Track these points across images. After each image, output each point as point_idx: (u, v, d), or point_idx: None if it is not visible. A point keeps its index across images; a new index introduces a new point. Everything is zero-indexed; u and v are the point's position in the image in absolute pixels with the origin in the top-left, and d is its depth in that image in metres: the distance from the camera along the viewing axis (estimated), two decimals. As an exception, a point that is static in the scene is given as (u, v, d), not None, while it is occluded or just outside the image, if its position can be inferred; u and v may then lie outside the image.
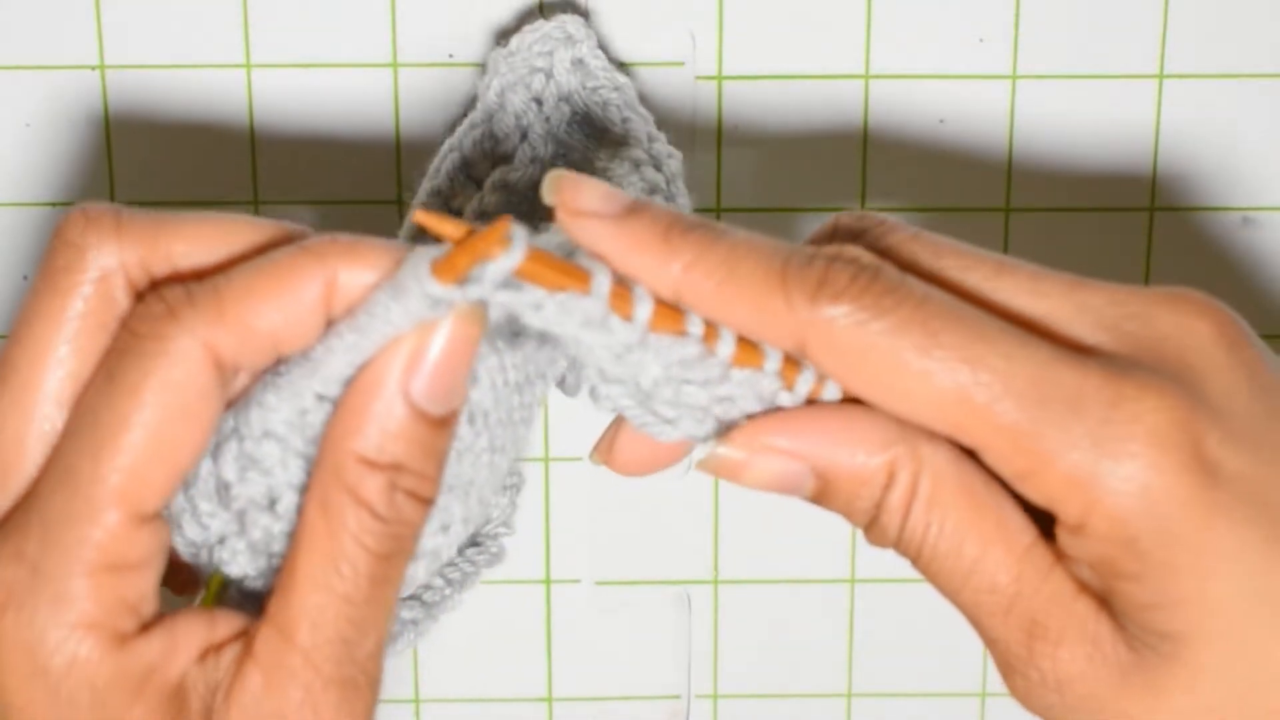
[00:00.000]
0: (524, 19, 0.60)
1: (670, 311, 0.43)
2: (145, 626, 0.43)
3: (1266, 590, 0.41)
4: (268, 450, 0.44)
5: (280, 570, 0.43)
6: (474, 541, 0.58)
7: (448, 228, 0.41)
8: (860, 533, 0.65)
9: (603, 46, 0.60)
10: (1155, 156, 0.62)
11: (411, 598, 0.53)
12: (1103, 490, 0.40)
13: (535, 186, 0.57)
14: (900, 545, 0.44)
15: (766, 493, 0.44)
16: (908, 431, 0.42)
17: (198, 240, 0.44)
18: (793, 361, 0.43)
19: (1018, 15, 0.61)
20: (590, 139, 0.59)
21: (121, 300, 0.43)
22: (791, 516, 0.65)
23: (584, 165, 0.58)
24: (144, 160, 0.62)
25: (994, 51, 0.61)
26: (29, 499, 0.43)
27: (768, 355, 0.43)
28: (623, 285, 0.42)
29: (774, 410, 0.44)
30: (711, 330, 0.43)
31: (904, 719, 0.68)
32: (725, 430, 0.44)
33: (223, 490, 0.44)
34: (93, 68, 0.61)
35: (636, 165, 0.57)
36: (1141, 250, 0.63)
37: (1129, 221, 0.63)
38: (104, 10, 0.61)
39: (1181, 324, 0.42)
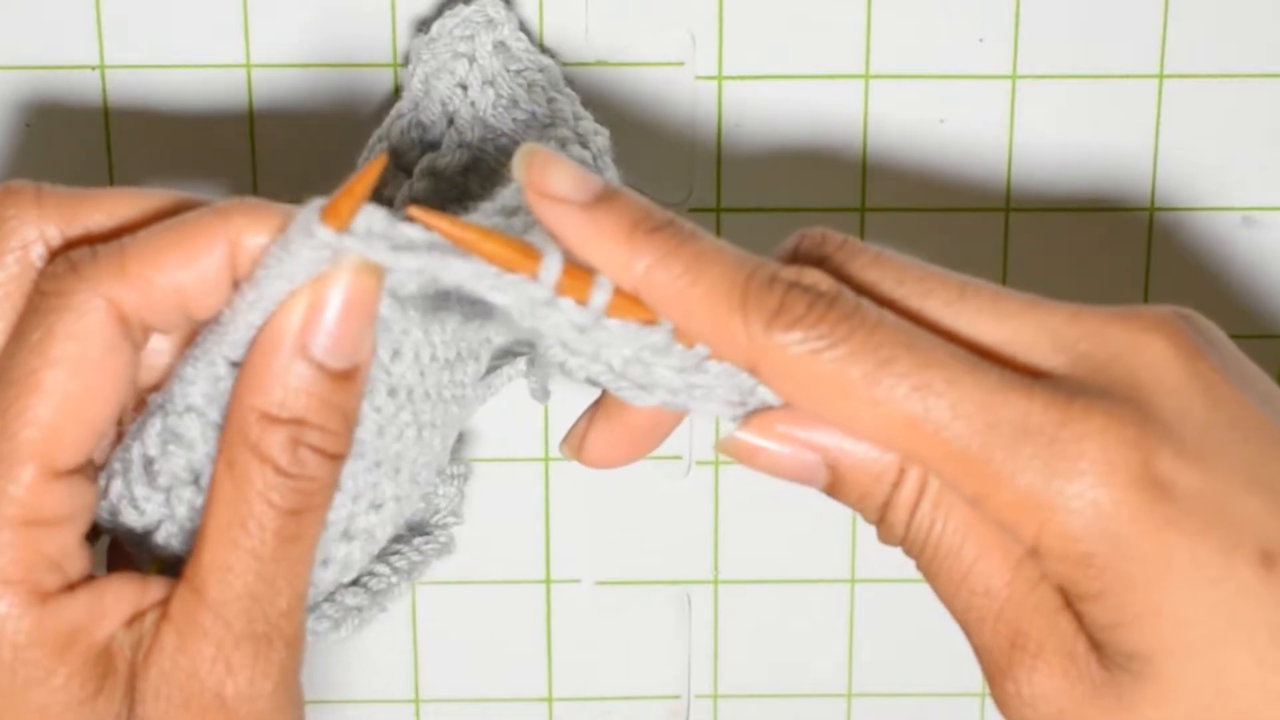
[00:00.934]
0: (445, 6, 0.60)
1: (635, 302, 0.42)
2: (70, 586, 0.43)
3: (1223, 601, 0.41)
4: (188, 424, 0.44)
5: (197, 532, 0.43)
6: (423, 530, 0.59)
7: (444, 225, 0.41)
8: (859, 533, 0.65)
9: (524, 28, 0.59)
10: (1155, 156, 0.62)
11: (355, 583, 0.53)
12: (1053, 510, 0.41)
13: (463, 171, 0.57)
14: (906, 543, 0.44)
15: (781, 480, 0.44)
16: None
17: (115, 210, 0.44)
18: None
19: (1018, 15, 0.61)
20: (517, 122, 0.58)
21: (40, 267, 0.44)
22: (791, 516, 0.66)
23: (511, 148, 0.58)
24: (144, 160, 0.62)
25: (994, 51, 0.61)
26: None
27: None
28: (579, 268, 0.42)
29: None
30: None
31: (904, 719, 0.68)
32: (745, 416, 0.44)
33: (149, 467, 0.44)
34: (93, 68, 0.61)
35: (563, 144, 0.57)
36: (1141, 250, 0.63)
37: (1129, 221, 0.63)
38: (104, 10, 0.61)
39: (1134, 341, 0.42)
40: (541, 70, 0.59)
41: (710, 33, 0.61)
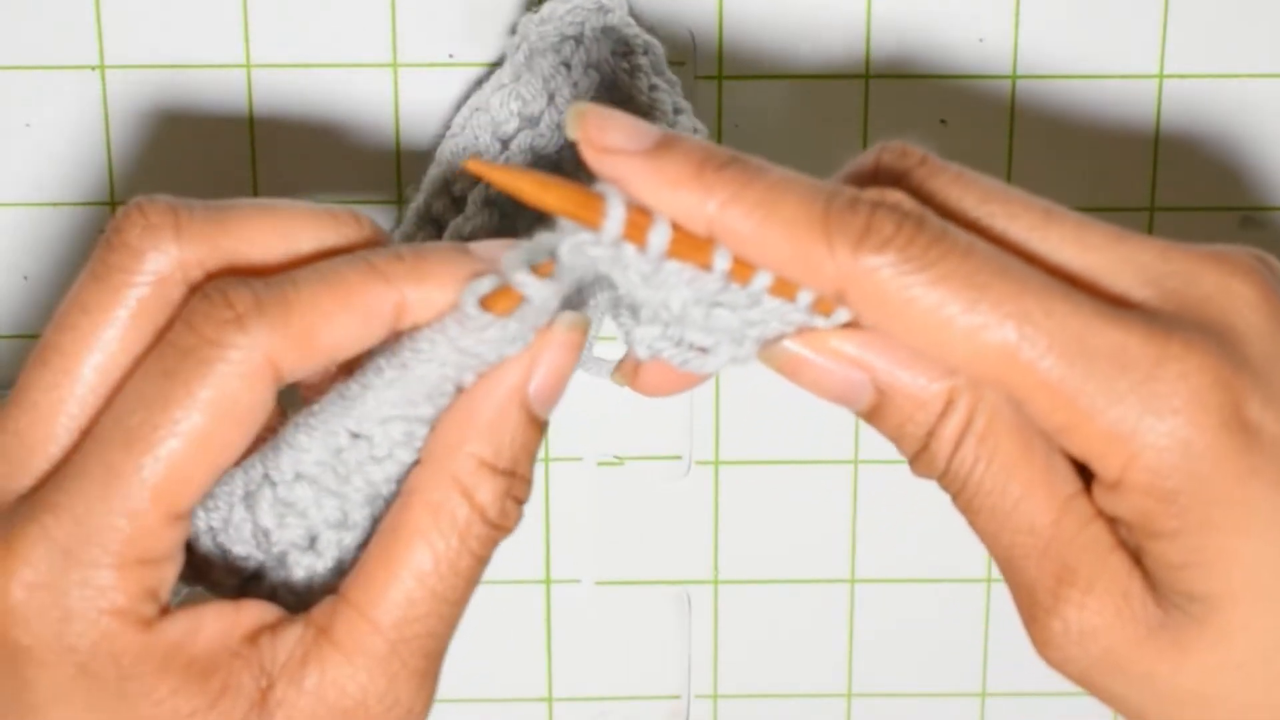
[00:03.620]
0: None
1: (697, 242, 0.42)
2: (164, 610, 0.43)
3: None
4: (301, 493, 0.44)
5: (368, 559, 0.44)
6: None
7: (505, 177, 0.41)
8: (859, 533, 0.65)
9: (634, 14, 0.59)
10: (1155, 156, 0.62)
11: None
12: (1143, 445, 0.40)
13: (559, 150, 0.58)
14: (946, 477, 0.43)
15: (822, 397, 0.44)
16: None
17: (259, 238, 0.44)
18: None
19: (1018, 15, 0.61)
20: (617, 106, 0.59)
21: (176, 301, 0.44)
22: (792, 516, 0.66)
23: None
24: (144, 160, 0.62)
25: (994, 51, 0.61)
26: (59, 479, 0.43)
27: (801, 289, 0.42)
28: (641, 213, 0.41)
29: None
30: (740, 263, 0.42)
31: (904, 719, 0.68)
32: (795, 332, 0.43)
33: (261, 537, 0.45)
34: (93, 68, 0.61)
35: None
36: (1141, 250, 0.63)
37: (1129, 221, 0.63)
38: (104, 10, 0.61)
39: (1225, 286, 0.42)
40: (646, 53, 0.59)
41: (710, 33, 0.61)
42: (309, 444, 0.44)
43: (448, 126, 0.60)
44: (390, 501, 0.45)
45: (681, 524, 0.66)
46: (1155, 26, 0.61)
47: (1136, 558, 0.42)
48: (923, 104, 0.62)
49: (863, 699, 0.68)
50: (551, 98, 0.59)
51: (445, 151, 0.59)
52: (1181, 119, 0.62)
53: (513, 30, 0.60)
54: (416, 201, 0.59)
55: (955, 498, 0.44)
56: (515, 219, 0.58)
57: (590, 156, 0.41)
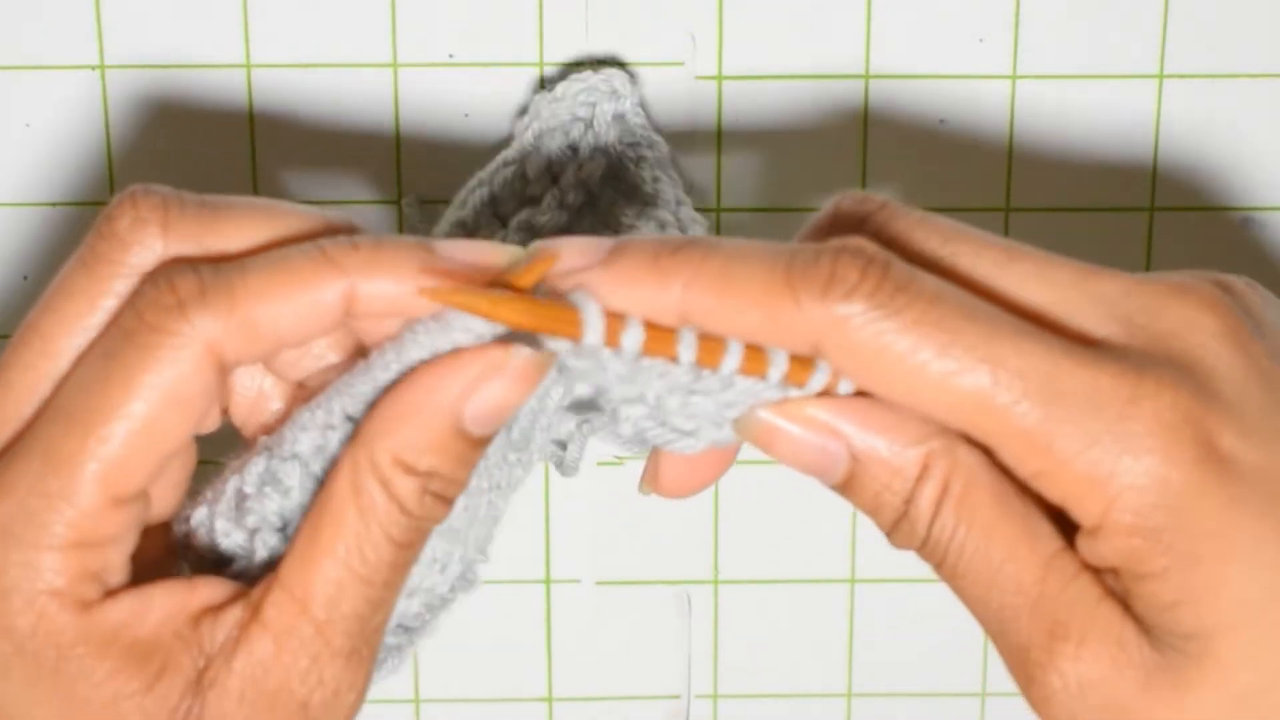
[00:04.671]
0: (570, 69, 0.60)
1: (664, 336, 0.42)
2: (111, 592, 0.43)
3: None
4: (289, 470, 0.44)
5: (299, 540, 0.44)
6: None
7: (488, 306, 0.42)
8: (859, 533, 0.65)
9: (643, 106, 0.60)
10: (1155, 156, 0.62)
11: (398, 626, 0.54)
12: (1121, 486, 0.40)
13: (560, 232, 0.58)
14: (927, 545, 0.43)
15: (796, 469, 0.44)
16: (946, 429, 0.42)
17: (247, 240, 0.44)
18: (802, 362, 0.43)
19: (1018, 15, 0.61)
20: (619, 194, 0.59)
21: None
22: (792, 516, 0.66)
23: (608, 218, 0.59)
24: (144, 160, 0.62)
25: (994, 51, 0.61)
26: (6, 459, 0.43)
27: (772, 364, 0.43)
28: (613, 317, 0.42)
29: None
30: (709, 348, 0.42)
31: (904, 719, 0.68)
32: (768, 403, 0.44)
33: (240, 504, 0.45)
34: (93, 68, 0.61)
35: (662, 226, 0.58)
36: (1141, 250, 0.63)
37: (1129, 221, 0.63)
38: (104, 10, 0.61)
39: (1189, 319, 0.42)
40: (652, 148, 0.60)
41: (710, 33, 0.61)
42: (309, 423, 0.44)
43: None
44: None
45: (681, 524, 0.66)
46: (1155, 26, 0.61)
47: (1126, 604, 0.42)
48: (923, 104, 0.62)
49: (863, 699, 0.68)
50: (555, 179, 0.59)
51: (446, 223, 0.59)
52: (1181, 119, 0.62)
53: (522, 111, 0.60)
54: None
55: (938, 567, 0.43)
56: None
57: (555, 285, 0.42)
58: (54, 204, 0.62)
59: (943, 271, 0.42)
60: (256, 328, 0.42)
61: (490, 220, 0.59)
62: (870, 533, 0.66)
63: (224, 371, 0.43)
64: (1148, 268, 0.63)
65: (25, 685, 0.43)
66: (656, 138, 0.60)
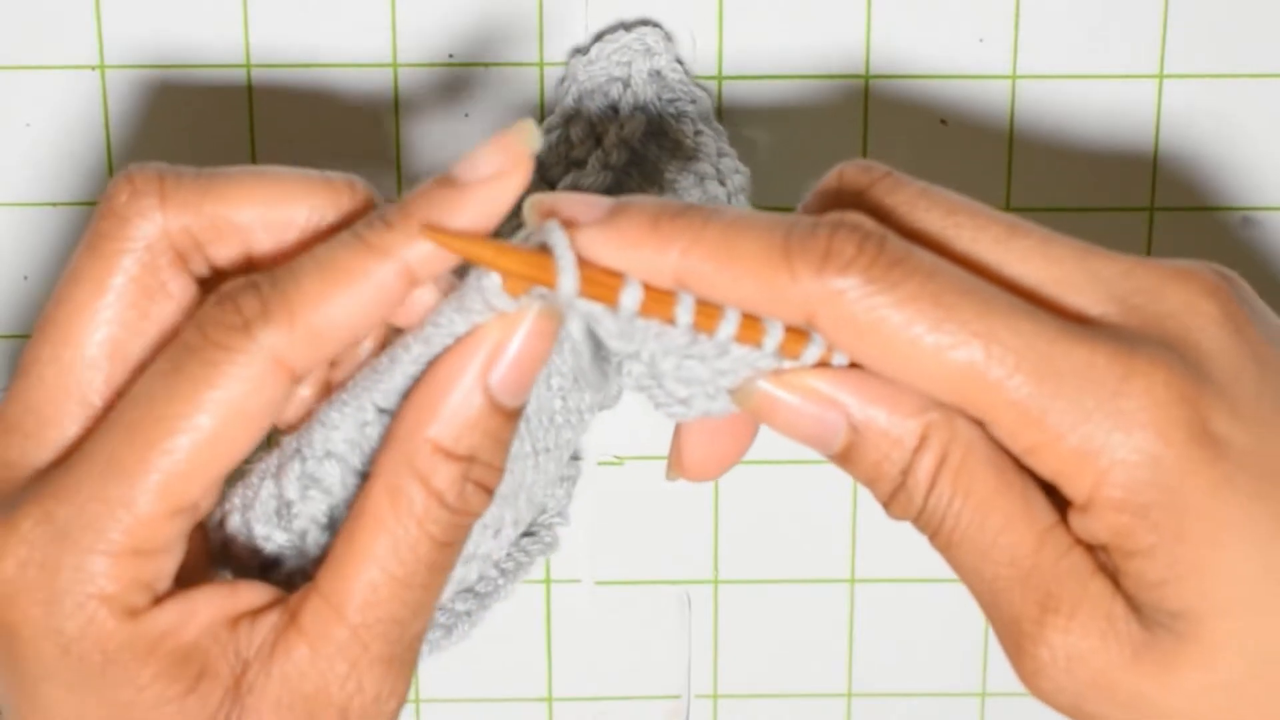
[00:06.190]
0: (604, 31, 0.61)
1: (662, 297, 0.42)
2: (158, 599, 0.43)
3: (1275, 563, 0.41)
4: (329, 469, 0.44)
5: (335, 545, 0.44)
6: (528, 531, 0.59)
7: (490, 255, 0.42)
8: (859, 533, 0.65)
9: (680, 60, 0.60)
10: (1155, 156, 0.62)
11: (465, 590, 0.53)
12: (1111, 461, 0.41)
13: (605, 192, 0.58)
14: (924, 515, 0.43)
15: (795, 439, 0.44)
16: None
17: (247, 203, 0.44)
18: (797, 333, 0.43)
19: (1018, 15, 0.61)
20: (663, 150, 0.59)
21: (165, 268, 0.44)
22: (791, 516, 0.66)
23: (653, 175, 0.59)
24: (144, 160, 0.62)
25: (994, 51, 0.61)
26: (67, 465, 0.43)
27: (768, 333, 0.43)
28: (611, 274, 0.42)
29: None
30: (706, 312, 0.43)
31: (904, 719, 0.68)
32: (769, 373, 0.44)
33: (284, 510, 0.45)
34: (93, 68, 0.61)
35: (701, 179, 0.58)
36: (1142, 250, 0.63)
37: (1129, 221, 0.63)
38: (104, 10, 0.61)
39: (1189, 303, 0.42)
40: (694, 102, 0.60)
41: (710, 33, 0.61)
42: (340, 421, 0.44)
43: None
44: None
45: (681, 524, 0.66)
46: (1155, 26, 0.61)
47: (1117, 581, 0.42)
48: (923, 104, 0.62)
49: (863, 699, 0.68)
50: (599, 140, 0.59)
51: None
52: (1181, 119, 0.62)
53: (562, 79, 0.60)
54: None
55: (933, 537, 0.44)
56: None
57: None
58: (54, 204, 0.62)
59: (944, 244, 0.43)
60: (320, 333, 0.42)
61: (538, 184, 0.59)
62: (870, 533, 0.66)
63: (295, 382, 0.43)
64: (1148, 268, 0.63)
65: (69, 689, 0.43)
66: (699, 92, 0.60)
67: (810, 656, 0.67)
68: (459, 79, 0.61)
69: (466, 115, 0.62)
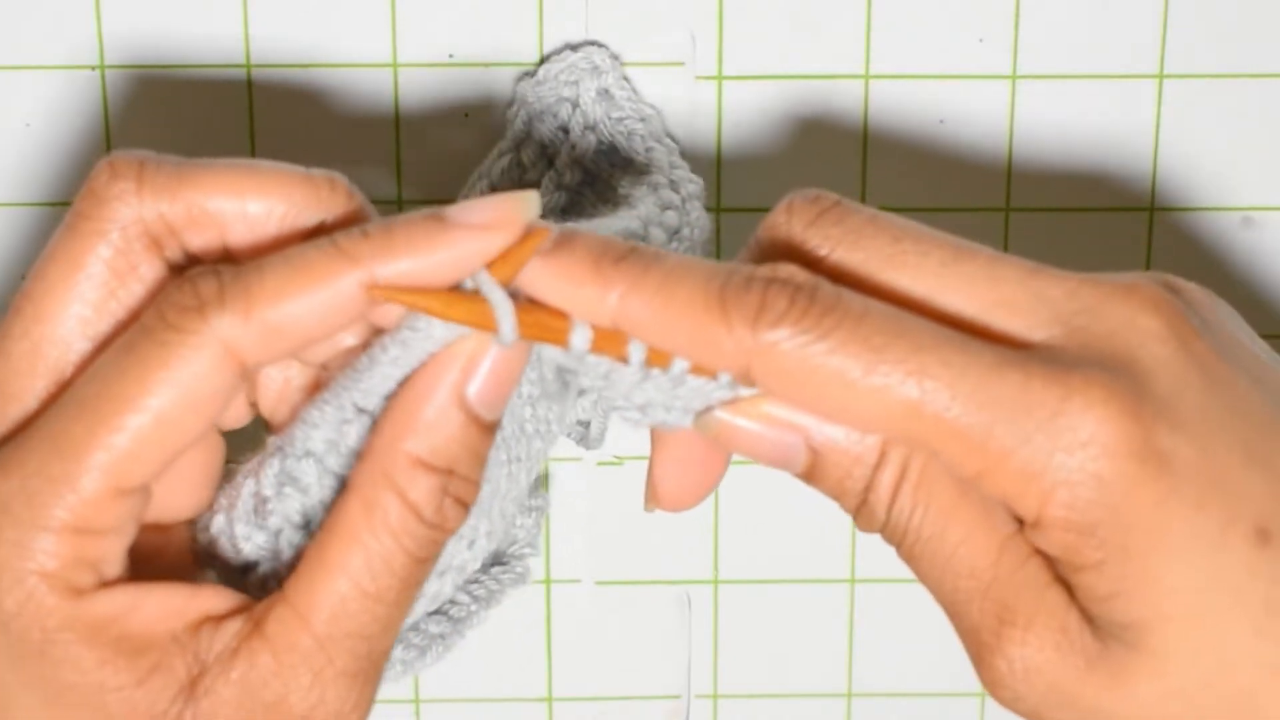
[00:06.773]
0: (552, 53, 0.61)
1: (613, 335, 0.43)
2: (106, 584, 0.43)
3: (1221, 574, 0.41)
4: (306, 468, 0.44)
5: (307, 555, 0.44)
6: (499, 560, 0.59)
7: (424, 302, 0.42)
8: (859, 533, 0.65)
9: (626, 78, 0.60)
10: (1155, 156, 0.62)
11: (438, 612, 0.53)
12: (1055, 482, 0.41)
13: (561, 213, 0.58)
14: (888, 528, 0.44)
15: (759, 462, 0.44)
16: None
17: (220, 192, 0.45)
18: None
19: (1018, 15, 0.61)
20: (615, 167, 0.59)
21: (138, 252, 0.44)
22: (791, 516, 0.66)
23: (606, 192, 0.59)
24: (144, 160, 0.62)
25: (994, 51, 0.61)
26: (18, 440, 0.43)
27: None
28: (561, 316, 0.43)
29: None
30: (658, 350, 0.43)
31: (904, 719, 0.68)
32: (726, 401, 0.44)
33: (260, 507, 0.45)
34: (93, 68, 0.61)
35: (655, 188, 0.58)
36: (1141, 250, 0.63)
37: (1129, 221, 0.63)
38: (104, 10, 0.61)
39: (1130, 320, 0.42)
40: (643, 120, 0.60)
41: (710, 33, 0.61)
42: (320, 419, 0.44)
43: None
44: None
45: (681, 524, 0.66)
46: (1155, 26, 0.61)
47: (1071, 593, 0.43)
48: (923, 104, 0.62)
49: (863, 699, 0.68)
50: (551, 162, 0.59)
51: None
52: (1181, 119, 0.62)
53: (510, 101, 0.60)
54: None
55: (898, 549, 0.44)
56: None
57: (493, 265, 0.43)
58: (54, 204, 0.62)
59: (888, 272, 0.43)
60: (276, 328, 0.42)
61: None
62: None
63: (245, 372, 0.43)
64: (1147, 267, 0.63)
65: (8, 665, 0.43)
66: (648, 110, 0.60)
67: (810, 656, 0.67)
68: (459, 79, 0.61)
69: (466, 115, 0.62)
